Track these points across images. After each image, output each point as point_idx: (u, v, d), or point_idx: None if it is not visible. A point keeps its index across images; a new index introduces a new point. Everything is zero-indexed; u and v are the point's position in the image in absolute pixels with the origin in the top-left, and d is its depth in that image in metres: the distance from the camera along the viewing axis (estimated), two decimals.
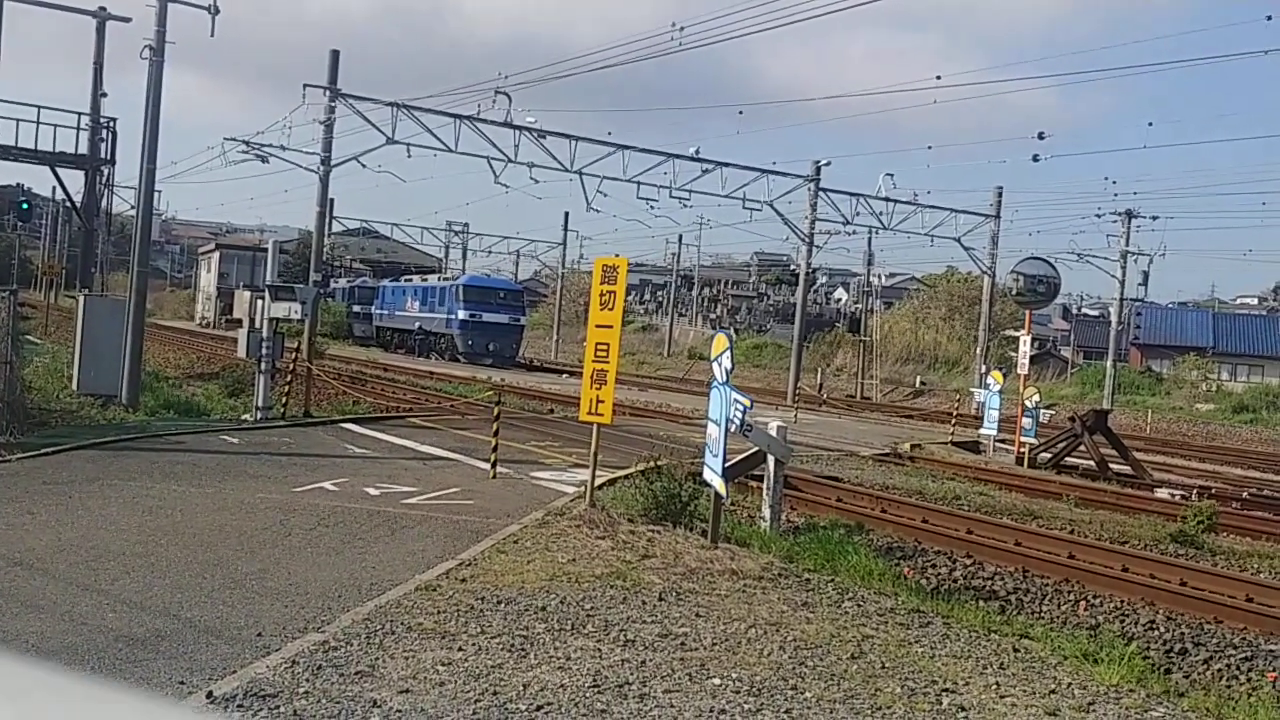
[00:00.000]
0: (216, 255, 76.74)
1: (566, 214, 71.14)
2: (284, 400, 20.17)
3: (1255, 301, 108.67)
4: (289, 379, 20.76)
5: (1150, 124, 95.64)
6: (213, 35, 19.85)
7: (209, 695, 5.71)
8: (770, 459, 12.09)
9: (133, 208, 22.51)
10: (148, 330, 22.69)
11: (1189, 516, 15.49)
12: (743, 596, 8.55)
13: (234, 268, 71.31)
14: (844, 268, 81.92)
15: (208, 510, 10.95)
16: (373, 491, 12.65)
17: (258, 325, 19.27)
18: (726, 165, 36.87)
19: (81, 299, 21.24)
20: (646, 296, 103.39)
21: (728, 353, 10.52)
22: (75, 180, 34.52)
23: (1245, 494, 20.59)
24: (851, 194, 40.55)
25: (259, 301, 19.30)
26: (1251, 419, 49.04)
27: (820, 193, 39.95)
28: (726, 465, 10.57)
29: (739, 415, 10.40)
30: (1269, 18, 39.56)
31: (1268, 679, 8.79)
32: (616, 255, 12.31)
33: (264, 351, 19.16)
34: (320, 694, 5.82)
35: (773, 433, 12.06)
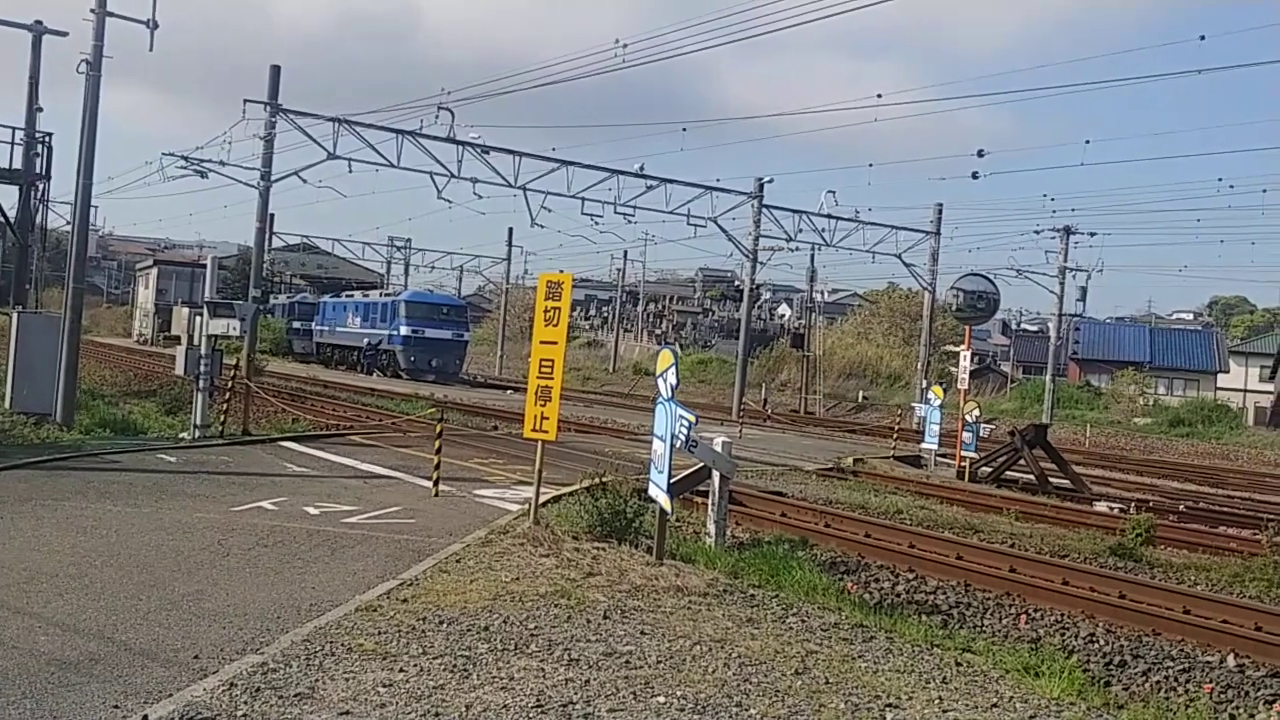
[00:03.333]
0: (154, 271, 75.86)
1: (511, 229, 70.98)
2: (222, 418, 19.90)
3: (1191, 317, 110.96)
4: (227, 396, 20.49)
5: (1088, 142, 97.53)
6: (151, 50, 19.60)
7: None
8: (715, 474, 12.10)
9: (68, 223, 22.15)
10: (83, 347, 22.28)
11: (1127, 530, 15.68)
12: (688, 613, 8.53)
13: (172, 284, 70.49)
14: (787, 284, 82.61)
15: (144, 530, 10.76)
16: (312, 511, 12.51)
17: (196, 342, 19.02)
18: (671, 182, 37.01)
19: (15, 315, 20.80)
20: (592, 312, 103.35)
21: (673, 368, 10.53)
22: (9, 195, 33.91)
23: (1182, 507, 20.89)
24: (794, 211, 40.86)
25: (197, 318, 19.05)
26: (1188, 433, 49.95)
27: (764, 209, 40.20)
28: (672, 481, 10.56)
29: (684, 431, 10.39)
30: (1202, 38, 40.57)
31: (1204, 690, 8.91)
32: (561, 271, 12.28)
33: (202, 369, 18.91)
34: (259, 717, 5.73)
35: (718, 448, 12.07)
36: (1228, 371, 70.38)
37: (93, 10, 19.21)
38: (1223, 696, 8.89)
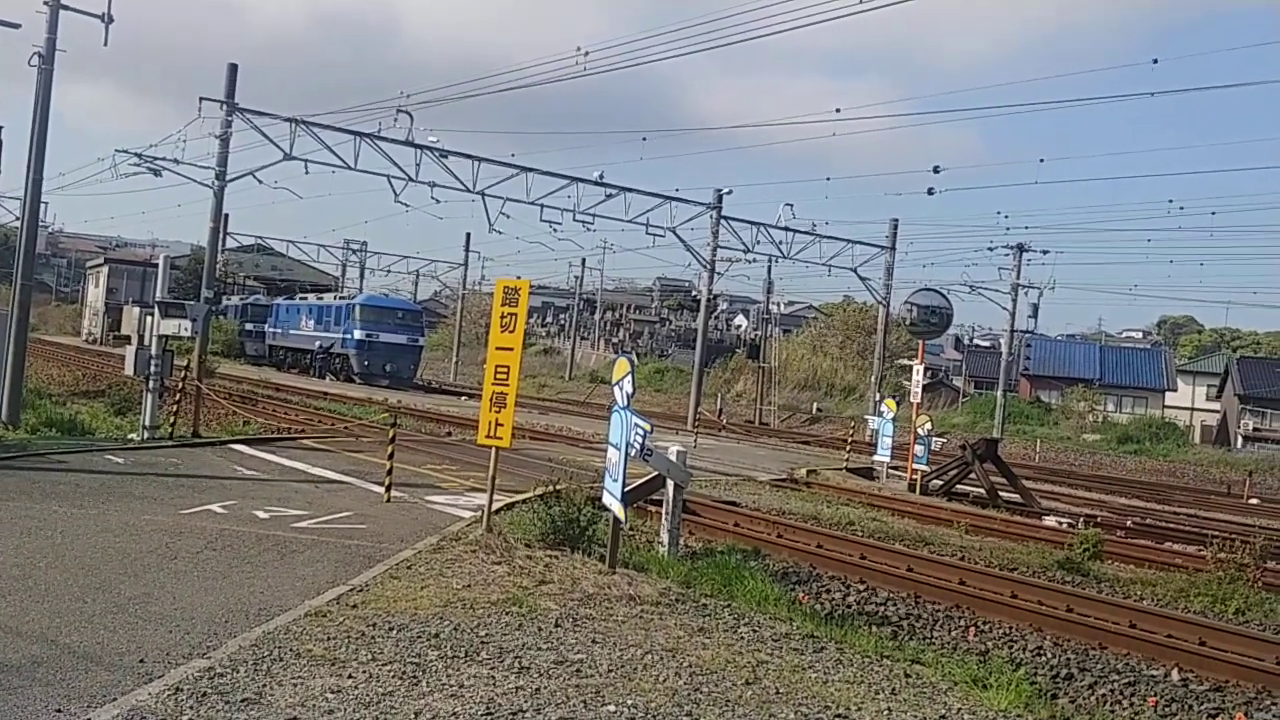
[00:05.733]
0: (105, 270, 74.87)
1: (468, 235, 71.00)
2: (172, 420, 19.67)
3: (1140, 335, 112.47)
4: (178, 398, 20.26)
5: (1041, 160, 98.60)
6: (105, 44, 19.36)
7: None
8: (669, 483, 12.10)
9: (17, 219, 21.82)
10: (31, 346, 21.97)
11: (1075, 544, 15.84)
12: (640, 622, 8.52)
13: (123, 283, 69.60)
14: (744, 295, 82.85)
15: (90, 532, 10.61)
16: (262, 514, 12.38)
17: (146, 342, 18.80)
18: (630, 191, 37.00)
19: None
20: (549, 319, 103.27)
21: (629, 377, 10.51)
22: None
23: (1129, 522, 21.14)
24: (752, 223, 40.99)
25: (148, 318, 18.83)
26: (1136, 449, 50.59)
27: (722, 221, 40.31)
28: (626, 490, 10.54)
29: (639, 440, 10.38)
30: (1155, 61, 41.33)
31: (1149, 704, 9.01)
32: (519, 277, 12.25)
33: (152, 369, 18.68)
34: None
35: (672, 457, 12.08)
36: (1175, 390, 71.43)
37: (46, 3, 18.97)
38: (1167, 710, 8.99)
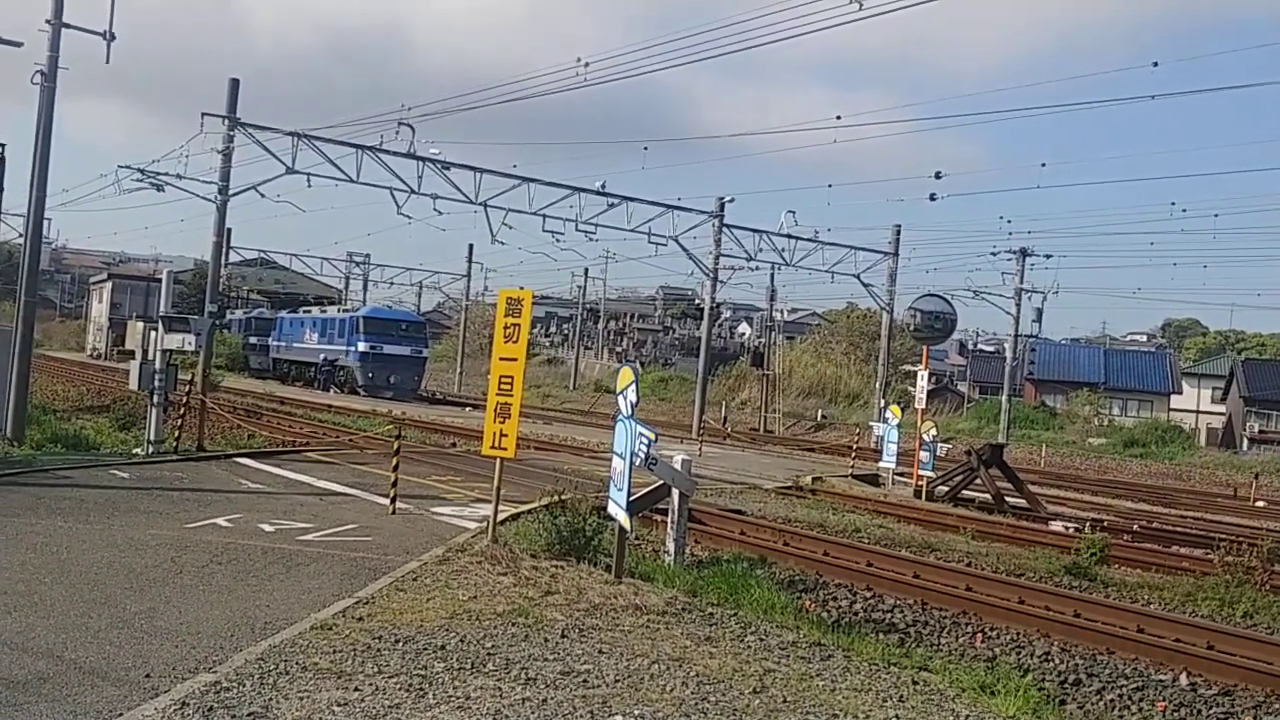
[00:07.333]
0: (109, 285, 75.11)
1: (471, 246, 70.89)
2: (177, 434, 19.68)
3: (1144, 338, 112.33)
4: (182, 412, 20.26)
5: (1044, 165, 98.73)
6: (108, 61, 19.43)
7: None
8: (675, 492, 12.08)
9: (20, 236, 21.88)
10: (35, 362, 22.00)
11: (1082, 549, 15.81)
12: (646, 632, 8.50)
13: (127, 298, 69.85)
14: (748, 302, 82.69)
15: (95, 547, 10.61)
16: (267, 528, 12.38)
17: (150, 357, 18.82)
18: (632, 200, 37.05)
19: None
20: (552, 329, 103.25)
21: (633, 386, 10.50)
22: None
23: (1136, 526, 21.09)
24: (755, 230, 41.07)
25: (152, 333, 18.86)
26: (1141, 453, 50.45)
27: (724, 229, 40.35)
28: (631, 499, 10.52)
29: (644, 448, 10.37)
30: (1155, 64, 41.42)
31: (1157, 709, 8.99)
32: (521, 288, 12.25)
33: (156, 384, 18.70)
34: None
35: (677, 466, 12.05)
36: (1180, 393, 71.27)
37: (48, 21, 19.02)
38: (1176, 715, 8.96)
